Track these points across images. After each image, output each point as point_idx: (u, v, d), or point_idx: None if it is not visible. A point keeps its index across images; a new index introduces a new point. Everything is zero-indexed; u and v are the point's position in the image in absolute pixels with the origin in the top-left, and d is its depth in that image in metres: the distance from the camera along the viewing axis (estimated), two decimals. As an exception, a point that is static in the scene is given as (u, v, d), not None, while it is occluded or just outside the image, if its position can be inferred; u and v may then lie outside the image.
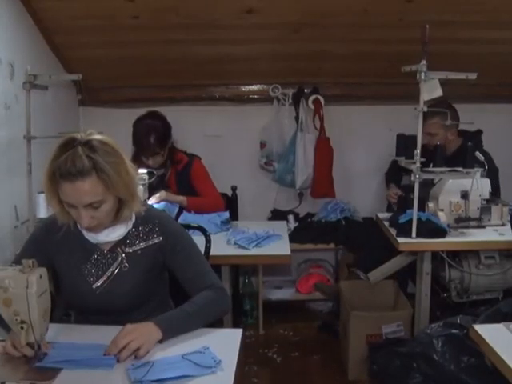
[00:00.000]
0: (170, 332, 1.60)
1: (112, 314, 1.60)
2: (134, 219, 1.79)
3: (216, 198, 3.17)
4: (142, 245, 1.79)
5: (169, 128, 3.15)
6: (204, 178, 3.21)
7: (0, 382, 1.36)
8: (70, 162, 1.55)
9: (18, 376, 1.40)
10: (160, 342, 1.57)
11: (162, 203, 2.93)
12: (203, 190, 3.17)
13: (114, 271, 1.77)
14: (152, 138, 3.01)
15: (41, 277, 1.42)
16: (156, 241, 1.79)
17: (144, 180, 2.74)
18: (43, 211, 2.71)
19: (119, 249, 1.78)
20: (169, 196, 2.98)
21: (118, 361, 1.47)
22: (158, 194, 2.93)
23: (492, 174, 3.02)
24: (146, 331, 1.55)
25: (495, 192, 3.04)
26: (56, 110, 3.43)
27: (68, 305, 1.90)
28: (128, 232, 1.78)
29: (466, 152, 2.82)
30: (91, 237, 1.76)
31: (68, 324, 1.80)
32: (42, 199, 2.72)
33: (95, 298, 1.76)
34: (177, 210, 2.99)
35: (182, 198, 3.04)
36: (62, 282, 1.82)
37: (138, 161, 3.12)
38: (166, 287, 1.94)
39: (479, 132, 3.43)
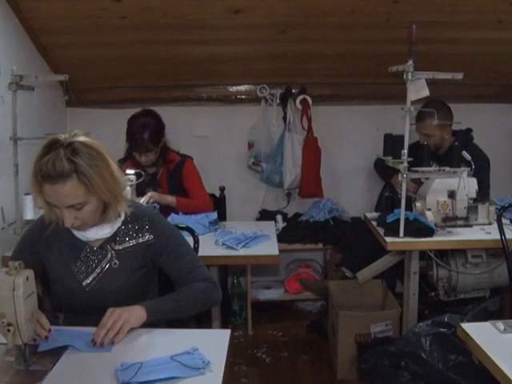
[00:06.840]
0: (154, 312, 1.66)
1: (102, 312, 1.60)
2: (123, 217, 1.80)
3: (205, 200, 3.17)
4: (132, 242, 1.80)
5: (162, 126, 3.15)
6: (195, 179, 3.22)
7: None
8: (50, 164, 1.56)
9: (4, 379, 1.38)
10: (145, 323, 1.63)
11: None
12: (193, 191, 3.17)
13: (103, 268, 1.78)
14: (146, 134, 3.01)
15: (27, 279, 1.41)
16: (146, 238, 1.81)
17: (132, 181, 2.74)
18: (30, 213, 2.70)
19: (109, 246, 1.80)
20: (159, 197, 2.97)
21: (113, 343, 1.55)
22: (148, 194, 2.93)
23: (482, 168, 3.03)
24: (127, 310, 1.62)
25: (482, 186, 3.03)
26: (42, 110, 3.40)
27: (59, 305, 1.89)
28: (117, 229, 1.80)
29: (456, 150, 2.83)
30: (80, 234, 1.77)
31: (56, 326, 1.78)
32: (28, 201, 2.71)
33: (85, 295, 1.77)
34: None
35: (171, 199, 3.04)
36: (52, 280, 1.83)
37: (130, 158, 3.13)
38: (155, 286, 1.94)
39: (469, 130, 3.47)
